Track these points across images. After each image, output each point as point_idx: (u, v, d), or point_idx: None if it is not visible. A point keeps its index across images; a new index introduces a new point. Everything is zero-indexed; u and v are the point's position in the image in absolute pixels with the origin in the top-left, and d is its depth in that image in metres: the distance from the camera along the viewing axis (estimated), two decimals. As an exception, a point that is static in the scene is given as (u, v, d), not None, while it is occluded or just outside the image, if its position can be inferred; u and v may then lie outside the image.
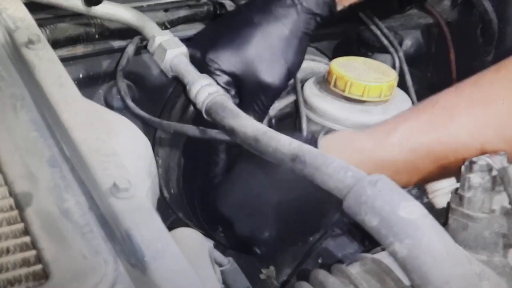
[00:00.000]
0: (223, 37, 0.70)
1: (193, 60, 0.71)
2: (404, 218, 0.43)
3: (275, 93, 0.71)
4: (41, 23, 0.70)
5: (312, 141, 0.60)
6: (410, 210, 0.44)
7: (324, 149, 0.59)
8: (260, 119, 0.72)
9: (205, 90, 0.65)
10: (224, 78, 0.69)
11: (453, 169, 0.55)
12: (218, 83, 0.69)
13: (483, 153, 0.53)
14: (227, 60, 0.68)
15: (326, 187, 0.49)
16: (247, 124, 0.58)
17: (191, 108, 0.77)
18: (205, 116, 0.65)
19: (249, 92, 0.70)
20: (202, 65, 0.69)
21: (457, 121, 0.55)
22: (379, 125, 0.62)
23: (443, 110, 0.57)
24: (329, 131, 0.62)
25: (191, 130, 0.67)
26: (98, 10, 0.73)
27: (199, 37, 0.74)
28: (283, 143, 0.53)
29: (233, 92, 0.70)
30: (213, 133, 0.65)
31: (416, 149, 0.56)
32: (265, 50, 0.69)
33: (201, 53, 0.70)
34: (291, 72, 0.71)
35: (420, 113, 0.58)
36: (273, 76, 0.69)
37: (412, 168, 0.57)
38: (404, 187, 0.61)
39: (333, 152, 0.57)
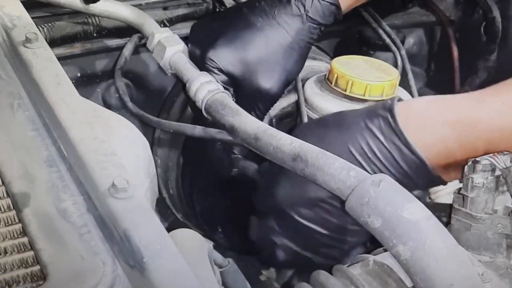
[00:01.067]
0: (223, 36, 0.69)
1: (192, 57, 0.70)
2: (407, 220, 0.43)
3: (272, 100, 0.70)
4: (38, 22, 0.69)
5: (387, 107, 0.55)
6: (414, 211, 0.43)
7: (401, 116, 0.54)
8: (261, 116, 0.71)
9: (205, 88, 0.65)
10: (222, 77, 0.68)
11: None
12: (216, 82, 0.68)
13: None
14: (226, 60, 0.67)
15: (328, 187, 0.48)
16: (247, 122, 0.57)
17: (190, 107, 0.77)
18: (204, 114, 0.65)
19: (246, 97, 0.69)
20: (201, 64, 0.69)
21: None
22: (463, 96, 0.57)
23: None
24: (400, 98, 0.57)
25: (190, 129, 0.67)
26: (97, 7, 0.72)
27: (198, 33, 0.73)
28: (284, 142, 0.53)
29: (231, 91, 0.69)
30: (213, 132, 0.64)
31: (502, 129, 0.52)
32: (266, 55, 0.68)
33: (201, 51, 0.70)
34: (290, 79, 0.70)
35: (509, 94, 0.53)
36: (271, 82, 0.68)
37: (492, 148, 0.53)
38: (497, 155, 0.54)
39: (409, 123, 0.54)
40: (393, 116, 0.55)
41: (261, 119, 0.71)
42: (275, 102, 0.71)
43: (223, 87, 0.67)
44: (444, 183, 0.57)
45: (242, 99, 0.69)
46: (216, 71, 0.68)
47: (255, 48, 0.68)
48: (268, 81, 0.68)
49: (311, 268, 0.54)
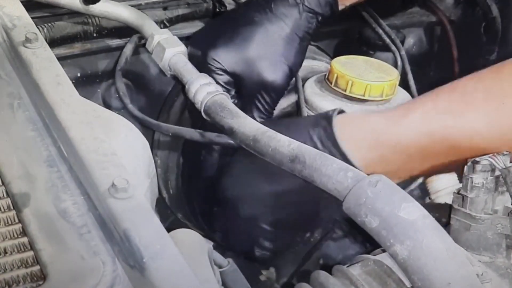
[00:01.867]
0: (223, 36, 0.69)
1: (193, 59, 0.71)
2: (404, 219, 0.43)
3: (277, 92, 0.70)
4: (38, 22, 0.69)
5: (327, 118, 0.59)
6: (411, 211, 0.43)
7: (338, 128, 0.58)
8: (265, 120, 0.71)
9: (204, 89, 0.65)
10: (225, 78, 0.68)
11: (466, 159, 0.54)
12: (218, 83, 0.68)
13: (497, 145, 0.52)
14: (228, 59, 0.68)
15: (325, 188, 0.49)
16: (246, 124, 0.58)
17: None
18: (204, 115, 0.65)
19: (251, 92, 0.69)
20: (203, 64, 0.69)
21: (475, 109, 0.54)
22: (395, 107, 0.61)
23: (461, 96, 0.55)
24: (341, 110, 0.61)
25: (189, 133, 0.67)
26: (96, 8, 0.72)
27: (199, 36, 0.74)
28: (283, 144, 0.53)
29: (233, 92, 0.69)
30: (212, 136, 0.64)
31: (431, 134, 0.55)
32: (266, 49, 0.68)
33: (201, 52, 0.70)
34: (293, 71, 0.71)
35: (438, 98, 0.57)
36: (275, 74, 0.69)
37: (425, 154, 0.56)
38: (414, 176, 0.60)
39: (346, 132, 0.57)
40: (330, 126, 0.58)
41: (270, 113, 0.71)
42: (282, 95, 0.72)
43: (226, 88, 0.68)
44: None
45: (247, 95, 0.69)
46: (219, 71, 0.68)
47: (255, 43, 0.68)
48: (271, 73, 0.68)
49: (251, 259, 0.61)
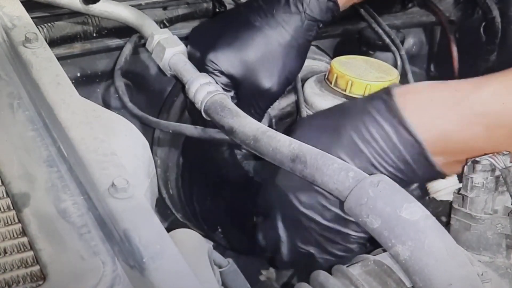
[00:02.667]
0: (223, 37, 0.69)
1: (192, 59, 0.70)
2: (406, 220, 0.43)
3: (273, 98, 0.70)
4: (38, 22, 0.69)
5: (385, 90, 0.56)
6: (412, 211, 0.43)
7: (399, 98, 0.54)
8: (261, 115, 0.71)
9: (204, 89, 0.65)
10: (222, 80, 0.68)
11: None
12: (216, 84, 0.68)
13: None
14: (226, 62, 0.68)
15: (326, 188, 0.49)
16: (246, 124, 0.58)
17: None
18: (204, 115, 0.65)
19: (247, 96, 0.69)
20: (202, 65, 0.69)
21: None
22: (460, 81, 0.57)
23: None
24: (398, 84, 0.58)
25: (189, 130, 0.67)
26: (96, 8, 0.72)
27: (198, 36, 0.73)
28: (283, 143, 0.53)
29: (231, 94, 0.69)
30: (212, 132, 0.64)
31: (501, 114, 0.52)
32: (265, 55, 0.68)
33: (200, 53, 0.70)
34: (290, 77, 0.71)
35: (509, 80, 0.53)
36: (272, 81, 0.68)
37: (491, 133, 0.53)
38: (475, 155, 0.53)
39: (411, 103, 0.54)
40: (390, 97, 0.54)
41: (261, 117, 0.71)
42: (275, 101, 0.72)
43: (224, 89, 0.67)
44: (443, 176, 0.56)
45: (243, 98, 0.69)
46: (216, 73, 0.68)
47: (254, 48, 0.68)
48: (268, 80, 0.68)
49: (314, 268, 0.53)
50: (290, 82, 0.72)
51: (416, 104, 0.54)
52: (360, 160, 0.54)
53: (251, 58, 0.68)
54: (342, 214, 0.54)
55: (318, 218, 0.55)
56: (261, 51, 0.68)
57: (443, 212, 0.57)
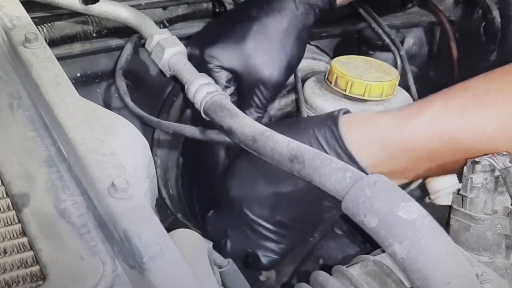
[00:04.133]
0: (220, 33, 0.69)
1: (192, 58, 0.70)
2: (403, 219, 0.43)
3: (275, 87, 0.70)
4: (38, 22, 0.69)
5: (332, 118, 0.58)
6: (409, 211, 0.43)
7: (344, 128, 0.57)
8: (260, 117, 0.71)
9: (204, 89, 0.65)
10: (223, 75, 0.68)
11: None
12: (218, 81, 0.68)
13: (507, 147, 0.51)
14: (226, 55, 0.67)
15: (324, 188, 0.49)
16: (245, 124, 0.58)
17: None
18: (203, 115, 0.65)
19: (249, 87, 0.69)
20: (201, 63, 0.69)
21: (486, 111, 0.53)
22: (404, 107, 0.60)
23: (472, 97, 0.54)
24: (346, 111, 0.60)
25: (190, 130, 0.67)
26: (96, 8, 0.72)
27: (197, 36, 0.74)
28: (281, 144, 0.53)
29: (233, 89, 0.69)
30: (212, 134, 0.64)
31: (441, 135, 0.54)
32: (263, 43, 0.68)
33: (199, 50, 0.70)
34: (291, 65, 0.70)
35: (449, 98, 0.56)
36: (272, 69, 0.68)
37: (434, 155, 0.55)
38: (423, 176, 0.58)
39: (352, 132, 0.57)
40: (336, 126, 0.57)
41: (265, 110, 0.71)
42: (279, 90, 0.71)
43: (226, 86, 0.67)
44: None
45: (245, 90, 0.69)
46: (217, 69, 0.68)
47: (252, 38, 0.68)
48: (268, 68, 0.68)
49: (257, 264, 0.60)
50: (292, 71, 0.71)
51: (358, 136, 0.57)
52: None
53: (250, 48, 0.68)
54: (286, 221, 0.60)
55: (265, 224, 0.60)
56: (259, 40, 0.68)
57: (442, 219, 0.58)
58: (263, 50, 0.68)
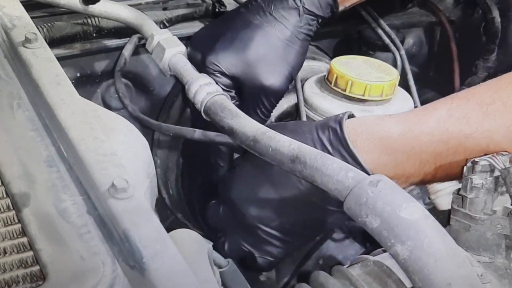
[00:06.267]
0: (223, 39, 0.69)
1: (193, 61, 0.70)
2: (405, 220, 0.43)
3: (276, 95, 0.70)
4: (38, 22, 0.69)
5: (337, 121, 0.58)
6: (412, 211, 0.43)
7: (348, 131, 0.57)
8: (263, 123, 0.71)
9: (204, 90, 0.65)
10: (224, 81, 0.68)
11: None
12: (217, 85, 0.68)
13: None
14: (228, 62, 0.68)
15: (326, 188, 0.49)
16: (246, 124, 0.58)
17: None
18: (203, 116, 0.65)
19: (251, 95, 0.69)
20: (202, 68, 0.69)
21: (493, 120, 0.53)
22: (409, 112, 0.60)
23: (478, 106, 0.54)
24: (351, 114, 0.60)
25: (190, 133, 0.67)
26: (96, 8, 0.72)
27: (198, 38, 0.74)
28: (283, 144, 0.53)
29: (233, 94, 0.69)
30: (212, 135, 0.64)
31: (447, 141, 0.54)
32: (266, 52, 0.68)
33: (201, 55, 0.70)
34: (293, 74, 0.71)
35: (453, 105, 0.56)
36: (274, 78, 0.68)
37: (440, 160, 0.55)
38: (428, 181, 0.58)
39: (357, 135, 0.56)
40: (341, 128, 0.57)
41: (268, 116, 0.71)
42: (280, 98, 0.71)
43: (225, 90, 0.68)
44: None
45: (247, 98, 0.69)
46: (217, 74, 0.68)
47: (255, 46, 0.68)
48: (270, 77, 0.68)
49: (254, 265, 0.60)
50: (293, 78, 0.72)
51: (364, 139, 0.57)
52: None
53: (253, 57, 0.68)
54: (287, 226, 0.60)
55: (265, 228, 0.60)
56: (262, 49, 0.68)
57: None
58: (266, 59, 0.68)
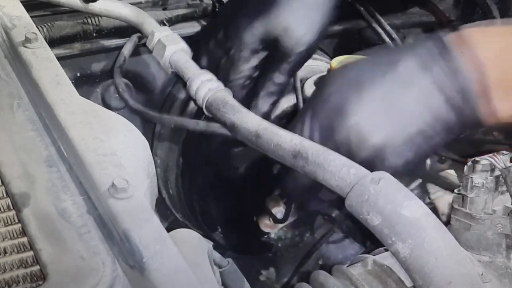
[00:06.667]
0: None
1: (221, 27, 0.68)
2: (406, 217, 0.43)
3: (309, 48, 0.67)
4: (38, 21, 0.69)
5: (437, 35, 0.53)
6: (413, 209, 0.43)
7: (454, 41, 0.51)
8: (283, 84, 0.69)
9: (206, 86, 0.64)
10: (255, 39, 0.66)
11: None
12: (247, 45, 0.66)
13: None
14: (260, 19, 0.65)
15: (328, 184, 0.48)
16: (248, 120, 0.57)
17: (190, 107, 0.76)
18: (205, 112, 0.64)
19: (282, 49, 0.66)
20: (233, 28, 0.67)
21: None
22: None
23: None
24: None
25: (192, 124, 0.66)
26: (96, 6, 0.72)
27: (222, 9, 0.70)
28: (285, 139, 0.52)
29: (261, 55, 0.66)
30: (215, 127, 0.63)
31: None
32: (299, 4, 0.66)
33: (230, 16, 0.67)
34: (324, 28, 0.68)
35: None
36: (308, 29, 0.66)
37: None
38: None
39: (478, 35, 0.52)
40: (442, 40, 0.52)
41: (292, 73, 0.69)
42: (310, 56, 0.69)
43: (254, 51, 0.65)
44: (483, 124, 0.52)
45: (277, 54, 0.67)
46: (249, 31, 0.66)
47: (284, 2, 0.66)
48: (303, 28, 0.66)
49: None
50: (322, 36, 0.69)
51: (482, 37, 0.52)
52: (424, 82, 0.51)
53: (285, 9, 0.66)
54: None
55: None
56: (294, 1, 0.66)
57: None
58: (298, 11, 0.66)
